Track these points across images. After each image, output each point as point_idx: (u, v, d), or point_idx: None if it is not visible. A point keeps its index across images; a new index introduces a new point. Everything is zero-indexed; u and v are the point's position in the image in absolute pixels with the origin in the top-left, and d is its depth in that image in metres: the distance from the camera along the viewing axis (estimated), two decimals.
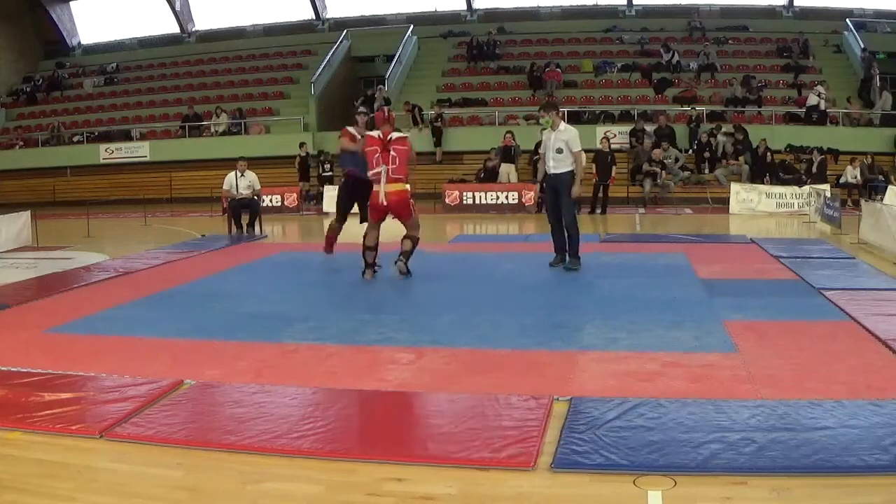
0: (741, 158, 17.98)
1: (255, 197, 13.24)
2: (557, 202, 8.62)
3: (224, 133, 22.42)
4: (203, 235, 12.94)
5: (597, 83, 22.44)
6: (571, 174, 8.46)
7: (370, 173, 8.04)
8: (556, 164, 8.54)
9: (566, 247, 8.66)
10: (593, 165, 15.71)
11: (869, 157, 17.62)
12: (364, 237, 8.27)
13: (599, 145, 16.67)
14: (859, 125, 19.53)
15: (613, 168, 16.39)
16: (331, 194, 17.61)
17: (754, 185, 16.63)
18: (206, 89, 24.93)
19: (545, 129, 8.85)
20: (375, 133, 8.10)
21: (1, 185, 22.09)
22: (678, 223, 14.32)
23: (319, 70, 23.08)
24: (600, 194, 16.26)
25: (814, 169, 16.87)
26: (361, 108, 9.84)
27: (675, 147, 18.64)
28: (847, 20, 22.62)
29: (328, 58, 23.73)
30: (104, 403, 4.28)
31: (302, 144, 19.35)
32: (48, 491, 3.30)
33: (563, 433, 3.70)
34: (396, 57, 23.45)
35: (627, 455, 3.44)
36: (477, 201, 16.83)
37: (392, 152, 7.90)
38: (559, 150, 8.47)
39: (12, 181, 22.30)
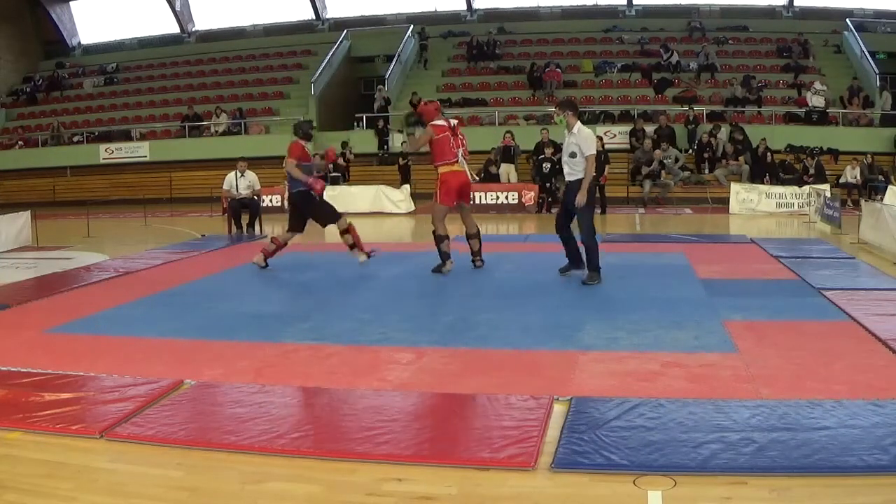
0: (741, 158, 17.98)
1: (255, 197, 13.24)
2: (568, 213, 7.83)
3: (224, 133, 22.42)
4: (203, 235, 12.94)
5: (597, 83, 22.43)
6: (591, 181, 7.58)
7: (455, 159, 8.47)
8: (570, 171, 7.65)
9: (580, 255, 7.85)
10: None
11: (869, 157, 17.61)
12: (439, 226, 8.41)
13: None
14: (859, 125, 19.54)
15: (606, 167, 16.38)
16: (331, 195, 17.60)
17: (754, 185, 16.63)
18: (206, 89, 24.92)
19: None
20: (441, 121, 8.45)
21: (1, 185, 22.10)
22: (678, 223, 14.33)
23: (319, 70, 23.08)
24: (597, 194, 16.25)
25: (811, 171, 16.87)
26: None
27: (674, 147, 18.65)
28: (847, 20, 22.61)
29: (328, 58, 23.73)
30: (104, 403, 4.28)
31: (345, 144, 19.59)
32: (48, 491, 3.30)
33: (563, 433, 3.70)
34: (396, 57, 23.46)
35: (627, 455, 3.44)
36: (477, 201, 16.73)
37: (460, 135, 8.51)
38: (573, 155, 7.56)
39: (12, 181, 22.31)
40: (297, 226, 9.04)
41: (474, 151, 19.39)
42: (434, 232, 8.46)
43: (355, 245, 8.95)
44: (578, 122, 7.71)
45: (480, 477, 3.34)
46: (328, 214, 9.02)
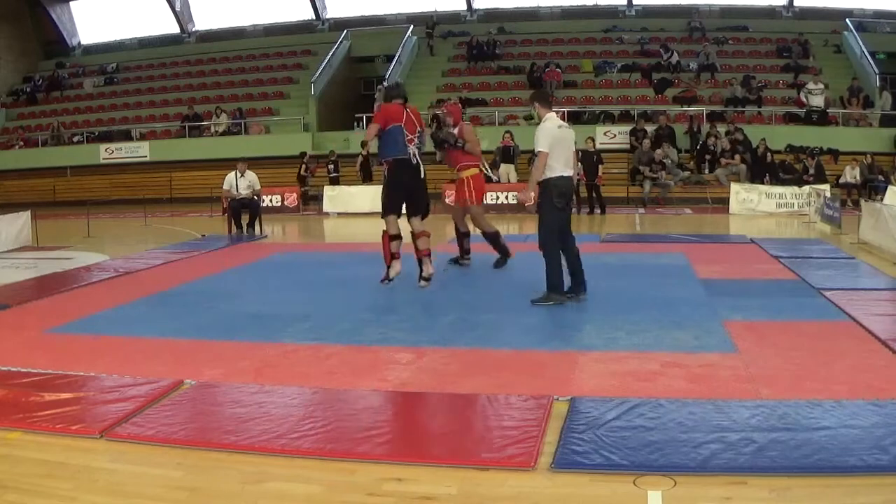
0: (737, 157, 17.96)
1: (255, 197, 13.25)
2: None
3: (224, 133, 22.42)
4: (203, 235, 12.95)
5: (597, 83, 22.43)
6: (546, 183, 6.66)
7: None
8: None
9: (582, 273, 6.84)
10: (580, 165, 15.82)
11: (869, 157, 17.62)
12: (485, 224, 8.79)
13: (584, 145, 16.67)
14: (859, 125, 19.53)
15: (600, 167, 16.41)
16: (330, 195, 17.63)
17: (754, 185, 16.62)
18: (206, 89, 24.93)
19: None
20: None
21: (1, 185, 22.10)
22: (678, 223, 14.32)
23: (319, 70, 23.10)
24: (594, 194, 16.29)
25: (811, 171, 16.87)
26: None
27: (674, 147, 18.65)
28: (847, 20, 22.62)
29: (328, 58, 23.75)
30: (104, 403, 4.28)
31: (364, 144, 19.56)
32: (48, 491, 3.30)
33: (563, 433, 3.70)
34: (396, 57, 23.47)
35: (627, 455, 3.44)
36: None
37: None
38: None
39: (12, 181, 22.31)
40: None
41: None
42: (483, 232, 8.77)
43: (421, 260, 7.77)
44: (548, 115, 6.79)
45: (480, 477, 3.34)
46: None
